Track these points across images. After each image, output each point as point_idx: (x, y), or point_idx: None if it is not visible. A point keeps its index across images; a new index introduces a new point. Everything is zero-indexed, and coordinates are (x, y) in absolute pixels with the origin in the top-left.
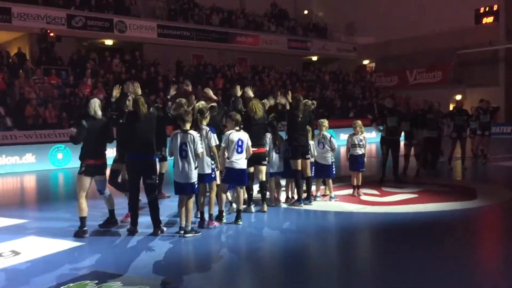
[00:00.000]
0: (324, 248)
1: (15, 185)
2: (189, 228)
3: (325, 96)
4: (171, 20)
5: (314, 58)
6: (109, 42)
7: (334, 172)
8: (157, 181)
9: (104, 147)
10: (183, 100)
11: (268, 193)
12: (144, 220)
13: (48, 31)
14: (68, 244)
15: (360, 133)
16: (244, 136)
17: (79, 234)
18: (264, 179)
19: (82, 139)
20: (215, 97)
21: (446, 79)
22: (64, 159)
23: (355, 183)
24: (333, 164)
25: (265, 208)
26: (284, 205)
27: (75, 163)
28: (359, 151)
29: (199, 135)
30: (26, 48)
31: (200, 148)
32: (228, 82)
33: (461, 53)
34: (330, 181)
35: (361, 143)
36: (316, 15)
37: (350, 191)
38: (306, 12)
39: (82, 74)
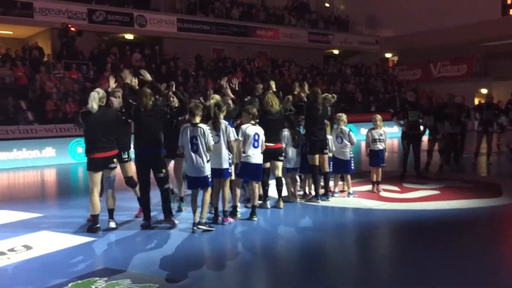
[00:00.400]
0: (341, 246)
1: (34, 179)
2: (204, 220)
3: (346, 89)
4: (191, 14)
5: (336, 51)
6: (129, 36)
7: (353, 167)
8: (167, 175)
9: (108, 140)
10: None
11: (285, 188)
12: (155, 214)
13: (69, 25)
14: (80, 239)
15: (379, 128)
16: (259, 130)
17: (92, 230)
18: (280, 175)
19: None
20: (232, 95)
21: (471, 72)
22: (84, 153)
23: (374, 179)
24: (352, 159)
25: (281, 204)
26: (301, 201)
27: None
28: (379, 146)
29: (209, 128)
30: (48, 43)
31: (211, 141)
32: (247, 76)
33: (486, 46)
34: (349, 176)
35: (381, 137)
36: (337, 8)
37: (369, 187)
38: (327, 5)
39: (102, 68)
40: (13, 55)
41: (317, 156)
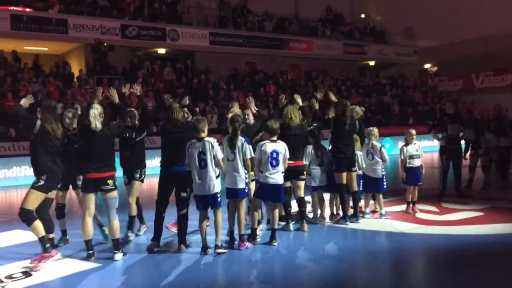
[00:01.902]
0: (372, 276)
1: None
2: (220, 243)
3: (383, 102)
4: (223, 28)
5: (371, 63)
6: (161, 51)
7: (385, 186)
8: (190, 195)
9: (107, 159)
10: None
11: (311, 209)
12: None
13: (102, 41)
14: (83, 266)
15: (414, 143)
16: (280, 147)
17: (87, 258)
18: (302, 195)
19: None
20: (254, 109)
21: None
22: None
23: (410, 199)
24: (384, 177)
25: (305, 227)
26: (328, 223)
27: (120, 172)
28: (417, 163)
29: (216, 140)
30: (82, 59)
31: (221, 154)
32: (280, 89)
33: None
34: (381, 196)
35: (417, 153)
36: (373, 19)
37: (403, 207)
38: (363, 16)
39: (133, 83)
40: (47, 70)
41: (344, 174)
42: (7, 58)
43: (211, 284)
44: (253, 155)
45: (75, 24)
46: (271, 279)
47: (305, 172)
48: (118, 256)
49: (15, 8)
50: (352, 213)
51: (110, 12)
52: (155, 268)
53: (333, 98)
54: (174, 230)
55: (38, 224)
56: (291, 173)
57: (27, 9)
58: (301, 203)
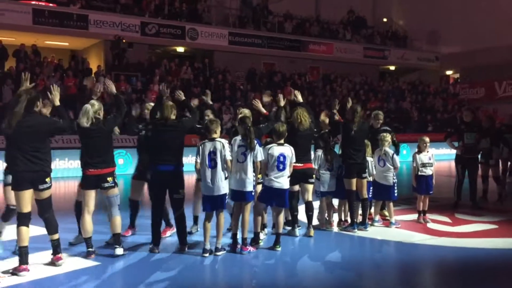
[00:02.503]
0: (375, 287)
1: (72, 189)
2: (220, 246)
3: (402, 107)
4: (243, 28)
5: (392, 67)
6: (180, 49)
7: (396, 194)
8: (184, 196)
9: (105, 154)
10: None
11: (318, 215)
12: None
13: (121, 37)
14: (82, 263)
15: (427, 151)
16: (287, 150)
17: (86, 256)
18: (310, 199)
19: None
20: (264, 111)
21: None
22: (125, 165)
23: (421, 208)
24: (395, 184)
25: (311, 232)
26: (335, 230)
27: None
28: (429, 171)
29: (227, 142)
30: (101, 55)
31: (229, 155)
32: (297, 91)
33: None
34: (391, 204)
35: (430, 161)
36: (396, 23)
37: (415, 216)
38: (385, 19)
39: (150, 80)
40: (66, 65)
41: (354, 180)
42: (28, 52)
43: (209, 286)
44: (263, 157)
45: (96, 20)
46: (270, 285)
47: (314, 176)
48: (119, 251)
49: (37, 2)
50: (361, 220)
51: (131, 9)
52: (154, 268)
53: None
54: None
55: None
56: (300, 176)
57: (50, 4)
58: (309, 207)
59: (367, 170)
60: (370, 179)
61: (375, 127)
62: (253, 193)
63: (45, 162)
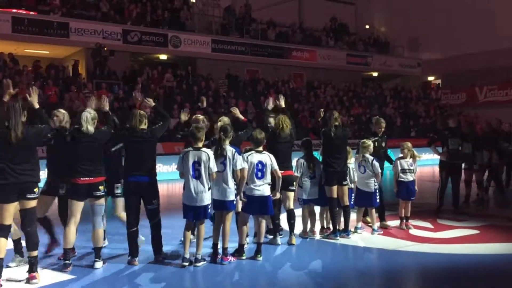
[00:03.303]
0: None
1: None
2: (200, 256)
3: (385, 113)
4: (226, 35)
5: (375, 74)
6: (163, 57)
7: (378, 200)
8: (159, 205)
9: (95, 164)
10: (200, 117)
11: (302, 223)
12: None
13: (102, 45)
14: (57, 276)
15: (409, 157)
16: (266, 158)
17: (63, 268)
18: (292, 206)
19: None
20: (243, 117)
21: None
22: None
23: (402, 214)
24: (377, 191)
25: (293, 240)
26: (318, 237)
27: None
28: (410, 177)
29: (212, 153)
30: (82, 63)
31: (215, 168)
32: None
33: None
34: (373, 210)
35: (411, 167)
36: (378, 30)
37: (397, 222)
38: (367, 26)
39: (132, 88)
40: (44, 74)
41: (335, 187)
42: (6, 60)
43: None
44: (243, 165)
45: (77, 28)
46: None
47: (295, 183)
48: (99, 264)
49: (17, 10)
50: (343, 228)
51: (112, 17)
52: (133, 280)
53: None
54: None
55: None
56: (281, 184)
57: (30, 12)
58: (290, 215)
59: (348, 177)
60: (352, 186)
61: (377, 133)
62: (234, 202)
63: (33, 172)
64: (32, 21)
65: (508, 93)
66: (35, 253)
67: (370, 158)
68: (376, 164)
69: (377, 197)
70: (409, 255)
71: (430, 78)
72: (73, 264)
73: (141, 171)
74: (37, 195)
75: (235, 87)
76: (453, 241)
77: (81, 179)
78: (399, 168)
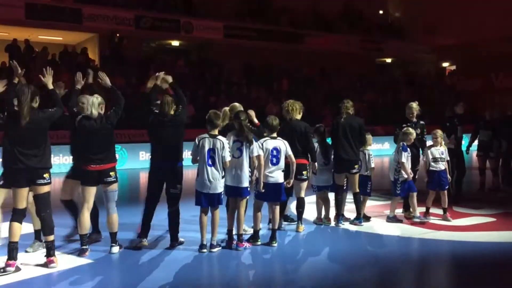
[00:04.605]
0: (373, 280)
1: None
2: (215, 242)
3: (399, 100)
4: (239, 21)
5: (388, 60)
6: (175, 43)
7: (398, 191)
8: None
9: (105, 150)
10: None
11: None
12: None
13: (114, 32)
14: (75, 261)
15: (440, 145)
16: (280, 144)
17: (80, 253)
18: (302, 195)
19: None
20: (256, 121)
21: None
22: (120, 160)
23: (430, 204)
24: (397, 181)
25: (300, 228)
26: (333, 224)
27: (132, 164)
28: (441, 166)
29: (228, 141)
30: (95, 49)
31: (228, 156)
32: (294, 84)
33: None
34: (414, 198)
35: (442, 156)
36: (392, 15)
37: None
38: (381, 12)
39: (145, 74)
40: (58, 61)
41: (343, 175)
42: (20, 47)
43: (205, 283)
44: (259, 152)
45: (90, 14)
46: (266, 281)
47: (305, 172)
48: (115, 249)
49: None
50: (355, 215)
51: (125, 3)
52: (150, 265)
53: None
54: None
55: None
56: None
57: None
58: (300, 203)
59: (362, 165)
60: (367, 173)
61: (410, 120)
62: (248, 189)
63: (43, 158)
64: (45, 7)
65: None
66: (51, 237)
67: (401, 144)
68: (403, 152)
69: (398, 188)
70: (425, 242)
71: (445, 64)
72: (91, 249)
73: (167, 156)
74: (48, 181)
75: (247, 73)
76: (469, 229)
77: (92, 166)
78: (430, 157)
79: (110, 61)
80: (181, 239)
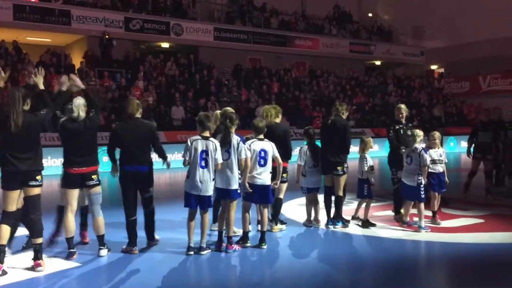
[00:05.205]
0: (358, 282)
1: (53, 188)
2: (205, 245)
3: (388, 102)
4: (228, 23)
5: (378, 62)
6: (165, 45)
7: (423, 196)
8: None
9: (89, 153)
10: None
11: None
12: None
13: (105, 32)
14: (62, 264)
15: (438, 147)
16: (267, 146)
17: (67, 256)
18: (281, 196)
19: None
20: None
21: None
22: (109, 163)
23: (435, 208)
24: (421, 185)
25: (274, 228)
26: (322, 226)
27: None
28: (440, 168)
29: (219, 143)
30: (84, 51)
31: (221, 159)
32: (284, 87)
33: None
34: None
35: (440, 158)
36: (381, 18)
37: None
38: (370, 14)
39: (135, 77)
40: (47, 62)
41: (328, 176)
42: (8, 48)
43: (193, 285)
44: (248, 155)
45: (78, 15)
46: (254, 283)
47: (285, 175)
48: (104, 252)
49: None
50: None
51: (114, 5)
52: (137, 268)
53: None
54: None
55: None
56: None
57: (32, 0)
58: (277, 203)
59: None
60: (363, 176)
61: (400, 121)
62: (238, 191)
63: (35, 161)
64: (34, 8)
65: (511, 82)
66: (39, 240)
67: (419, 148)
68: (425, 155)
69: (422, 192)
70: (413, 243)
71: (434, 67)
72: (79, 252)
73: (138, 160)
74: (40, 183)
75: (237, 75)
76: (457, 230)
77: (74, 168)
78: (428, 159)
79: (99, 63)
80: (157, 237)
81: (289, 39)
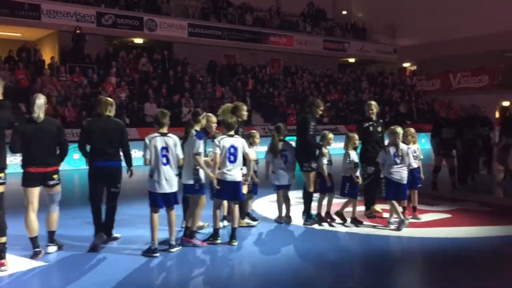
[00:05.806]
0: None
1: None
2: (174, 242)
3: (361, 100)
4: (203, 19)
5: (352, 60)
6: (139, 41)
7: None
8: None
9: (50, 152)
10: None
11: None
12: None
13: (77, 27)
14: (27, 264)
15: (412, 143)
16: (237, 142)
17: (33, 256)
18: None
19: (18, 146)
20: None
21: (492, 83)
22: (80, 160)
23: (416, 203)
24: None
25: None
26: (293, 223)
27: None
28: (414, 164)
29: (178, 138)
30: (55, 46)
31: (181, 154)
32: (258, 83)
33: (510, 56)
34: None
35: (415, 154)
36: (355, 16)
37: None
38: (344, 12)
39: (107, 73)
40: (16, 57)
41: (305, 173)
42: None
43: (162, 284)
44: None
45: (49, 10)
46: (224, 280)
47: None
48: (52, 248)
49: None
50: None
51: None
52: (103, 268)
53: None
54: None
55: None
56: None
57: None
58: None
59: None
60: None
61: (370, 117)
62: (196, 187)
63: (0, 158)
64: (3, 2)
65: (481, 79)
66: (3, 239)
67: (405, 147)
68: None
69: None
70: (383, 239)
71: (406, 65)
72: (44, 251)
73: (108, 156)
74: (4, 181)
75: (212, 72)
76: (426, 225)
77: (34, 168)
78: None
79: (70, 58)
80: (117, 235)
81: (264, 35)
